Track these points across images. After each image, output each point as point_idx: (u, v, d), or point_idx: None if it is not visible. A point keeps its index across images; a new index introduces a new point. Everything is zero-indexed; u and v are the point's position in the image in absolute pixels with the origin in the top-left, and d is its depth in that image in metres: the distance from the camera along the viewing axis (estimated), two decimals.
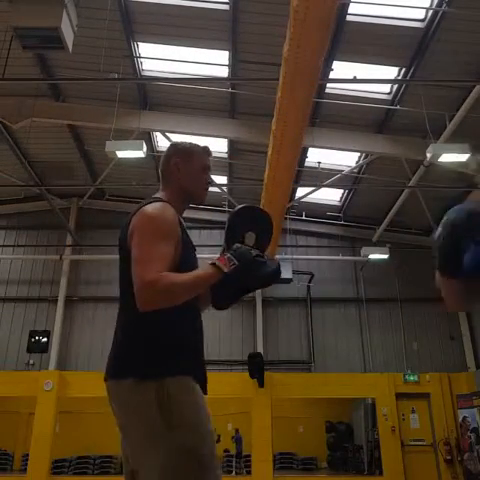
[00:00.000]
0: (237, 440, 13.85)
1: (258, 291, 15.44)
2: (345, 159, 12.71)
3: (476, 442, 12.66)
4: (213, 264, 1.86)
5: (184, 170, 2.22)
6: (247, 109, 11.30)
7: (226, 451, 13.98)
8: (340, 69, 9.58)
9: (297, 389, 13.56)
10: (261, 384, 13.19)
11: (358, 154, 12.41)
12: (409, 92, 9.97)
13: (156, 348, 1.84)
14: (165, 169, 2.26)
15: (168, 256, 1.85)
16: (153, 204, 2.03)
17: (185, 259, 1.99)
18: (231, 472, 13.51)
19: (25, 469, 12.82)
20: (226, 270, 1.83)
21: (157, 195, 2.19)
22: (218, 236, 16.25)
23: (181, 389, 1.77)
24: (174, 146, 2.34)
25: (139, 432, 1.73)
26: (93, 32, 9.12)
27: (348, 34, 8.81)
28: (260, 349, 14.41)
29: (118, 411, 1.83)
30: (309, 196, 13.64)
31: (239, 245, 1.93)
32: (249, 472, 13.14)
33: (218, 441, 13.85)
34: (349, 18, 8.60)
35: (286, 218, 12.54)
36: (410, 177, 11.65)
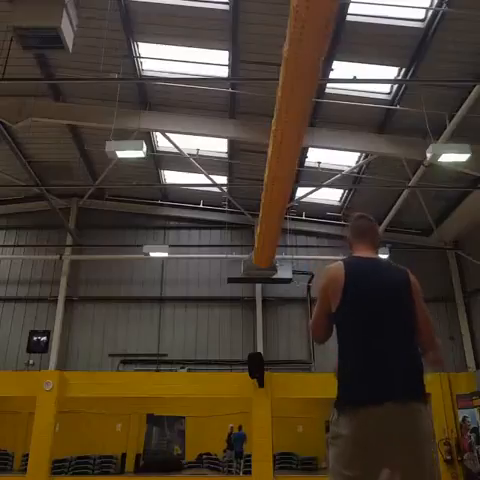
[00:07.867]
0: (240, 437, 13.81)
1: (258, 291, 15.44)
2: (345, 159, 12.70)
3: (476, 442, 12.66)
4: None
5: None
6: (247, 109, 11.30)
7: (225, 451, 13.98)
8: (340, 69, 9.58)
9: (297, 389, 13.54)
10: (261, 384, 13.17)
11: (358, 154, 12.41)
12: (409, 92, 9.97)
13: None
14: (379, 238, 2.84)
15: None
16: None
17: None
18: (231, 472, 13.50)
19: (25, 469, 12.80)
20: None
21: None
22: (218, 236, 16.26)
23: None
24: None
25: (428, 442, 2.42)
26: (93, 32, 9.13)
27: (348, 34, 8.81)
28: (260, 349, 14.40)
29: (421, 428, 2.34)
30: (309, 196, 13.64)
31: None
32: (247, 472, 13.11)
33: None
34: (349, 18, 8.61)
35: (286, 218, 12.53)
36: (410, 177, 11.63)
